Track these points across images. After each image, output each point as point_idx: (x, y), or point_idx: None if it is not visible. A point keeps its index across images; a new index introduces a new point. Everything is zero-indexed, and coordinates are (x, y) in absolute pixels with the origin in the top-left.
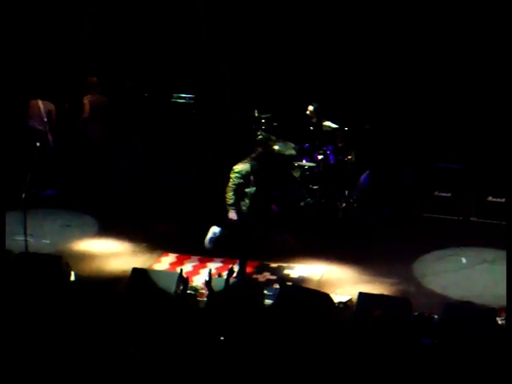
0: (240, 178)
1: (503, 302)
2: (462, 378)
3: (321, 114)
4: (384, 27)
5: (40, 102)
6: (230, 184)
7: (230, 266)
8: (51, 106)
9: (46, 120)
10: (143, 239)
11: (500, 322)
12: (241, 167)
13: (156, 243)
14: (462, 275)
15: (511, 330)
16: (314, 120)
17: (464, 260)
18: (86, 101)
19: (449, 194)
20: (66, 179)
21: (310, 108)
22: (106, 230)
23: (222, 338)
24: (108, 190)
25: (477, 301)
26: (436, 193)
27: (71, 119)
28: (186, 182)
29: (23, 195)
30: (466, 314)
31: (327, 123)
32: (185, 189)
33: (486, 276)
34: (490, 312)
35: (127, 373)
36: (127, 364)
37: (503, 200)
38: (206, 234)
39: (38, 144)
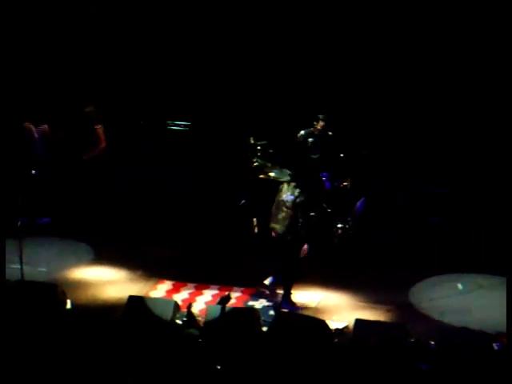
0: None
1: (499, 327)
2: None
3: (328, 127)
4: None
5: (32, 126)
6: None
7: (226, 292)
8: (44, 127)
9: (39, 145)
10: (139, 266)
11: (496, 348)
12: (302, 198)
13: (152, 270)
14: (458, 301)
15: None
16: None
17: (460, 286)
18: (100, 130)
19: (443, 219)
20: (61, 206)
21: (321, 123)
22: (102, 257)
23: (218, 367)
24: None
25: (473, 326)
26: (430, 218)
27: (67, 148)
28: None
29: (19, 223)
30: (462, 340)
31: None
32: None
33: (483, 302)
34: (486, 338)
35: None
36: None
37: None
38: (202, 261)
39: (33, 172)
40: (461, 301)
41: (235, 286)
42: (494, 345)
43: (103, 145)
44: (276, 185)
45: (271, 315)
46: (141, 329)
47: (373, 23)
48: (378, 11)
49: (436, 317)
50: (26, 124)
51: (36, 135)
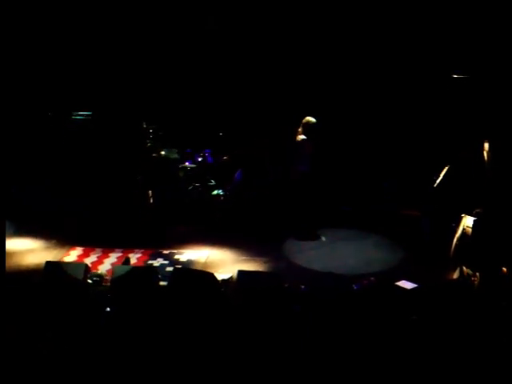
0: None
1: (356, 271)
2: (325, 336)
3: None
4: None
5: None
6: None
7: (128, 255)
8: None
9: None
10: (53, 236)
11: (355, 288)
12: None
13: (65, 239)
14: (323, 251)
15: None
16: None
17: (323, 238)
18: None
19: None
20: None
21: None
22: (21, 230)
23: (108, 309)
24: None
25: (335, 271)
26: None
27: None
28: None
29: None
30: (327, 283)
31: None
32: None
33: (342, 251)
34: (346, 280)
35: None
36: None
37: None
38: (107, 229)
39: None
40: (325, 251)
41: (136, 248)
42: (353, 286)
43: None
44: (166, 161)
45: (168, 271)
46: (57, 288)
47: (355, 29)
48: (370, 14)
49: (305, 265)
50: None
51: None
